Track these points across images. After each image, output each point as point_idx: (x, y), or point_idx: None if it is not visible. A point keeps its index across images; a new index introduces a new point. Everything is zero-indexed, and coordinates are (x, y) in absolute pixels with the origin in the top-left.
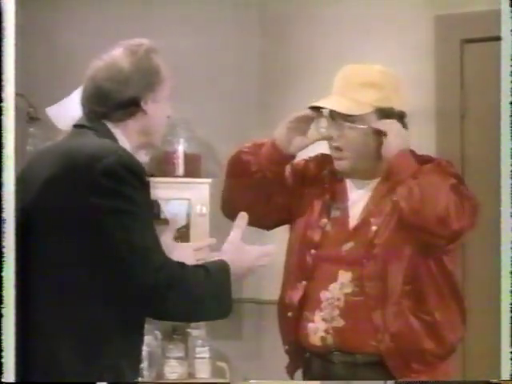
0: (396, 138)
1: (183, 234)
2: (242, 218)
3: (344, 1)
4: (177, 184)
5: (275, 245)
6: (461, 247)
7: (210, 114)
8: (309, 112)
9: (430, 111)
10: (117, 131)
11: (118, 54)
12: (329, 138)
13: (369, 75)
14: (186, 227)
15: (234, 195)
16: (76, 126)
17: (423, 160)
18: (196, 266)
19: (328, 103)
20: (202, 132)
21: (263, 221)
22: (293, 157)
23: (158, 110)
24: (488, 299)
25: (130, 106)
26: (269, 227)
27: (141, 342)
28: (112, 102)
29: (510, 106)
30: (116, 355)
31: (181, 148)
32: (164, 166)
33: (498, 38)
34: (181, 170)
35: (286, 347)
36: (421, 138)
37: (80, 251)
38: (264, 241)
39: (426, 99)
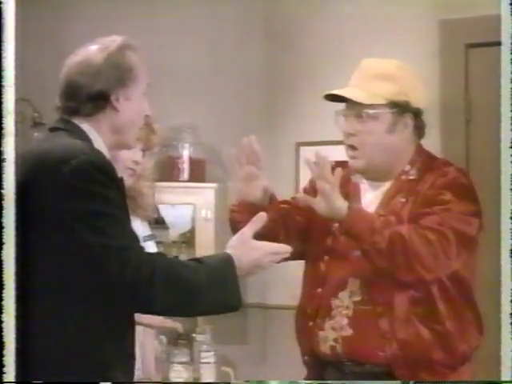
0: (321, 202)
1: (188, 239)
2: (260, 217)
3: (348, 5)
4: (182, 189)
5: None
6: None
7: (215, 119)
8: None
9: (435, 115)
10: (89, 129)
11: (91, 50)
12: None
13: (384, 68)
14: (191, 232)
15: None
16: (50, 128)
17: (440, 164)
18: (188, 260)
19: (341, 91)
20: (207, 137)
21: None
22: (265, 200)
23: (130, 107)
24: (488, 299)
25: (99, 100)
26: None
27: (131, 339)
28: (82, 96)
29: (510, 111)
30: (105, 354)
31: (186, 153)
32: (169, 170)
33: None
34: (186, 174)
35: (306, 358)
36: (426, 142)
37: (59, 253)
38: None
39: (430, 104)
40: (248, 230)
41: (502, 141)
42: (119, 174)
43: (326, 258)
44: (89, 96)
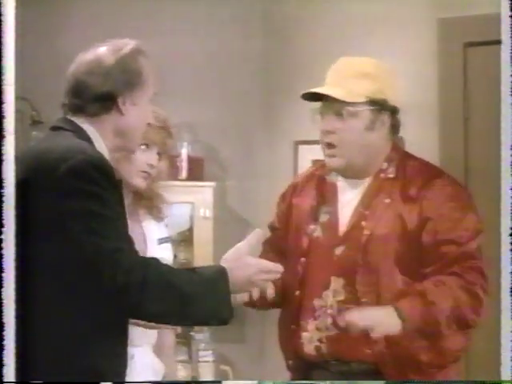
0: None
1: (186, 238)
2: (257, 234)
3: (347, 3)
4: (180, 187)
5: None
6: None
7: (214, 118)
8: None
9: (433, 114)
10: (91, 130)
11: (102, 51)
12: None
13: (362, 66)
14: (190, 230)
15: None
16: (52, 128)
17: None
18: (181, 268)
19: (321, 89)
20: (205, 135)
21: None
22: None
23: (135, 113)
24: (488, 299)
25: (105, 100)
26: None
27: (123, 343)
28: (89, 95)
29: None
30: (95, 356)
31: (184, 151)
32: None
33: (501, 42)
34: (184, 173)
35: (290, 362)
36: (424, 141)
37: (57, 253)
38: None
39: (428, 102)
40: (244, 245)
41: (502, 139)
42: (133, 177)
43: (303, 260)
44: (96, 95)
